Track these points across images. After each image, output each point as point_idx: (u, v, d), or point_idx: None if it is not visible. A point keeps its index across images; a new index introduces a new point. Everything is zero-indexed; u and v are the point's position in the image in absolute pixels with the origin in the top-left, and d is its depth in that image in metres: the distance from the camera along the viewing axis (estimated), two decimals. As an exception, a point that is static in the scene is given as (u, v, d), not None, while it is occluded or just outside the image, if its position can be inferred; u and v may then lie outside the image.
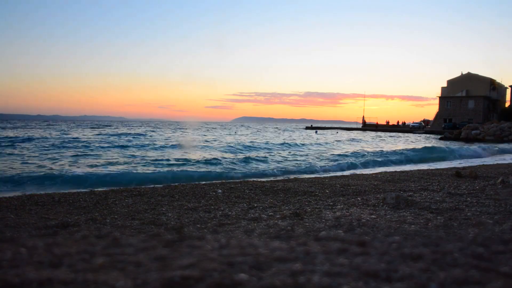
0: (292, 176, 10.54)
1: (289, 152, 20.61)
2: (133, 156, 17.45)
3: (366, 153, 19.60)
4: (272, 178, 10.20)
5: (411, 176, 8.50)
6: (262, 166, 13.91)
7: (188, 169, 12.63)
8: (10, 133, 33.92)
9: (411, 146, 25.02)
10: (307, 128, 77.56)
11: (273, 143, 26.84)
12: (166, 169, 12.67)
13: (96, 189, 7.39)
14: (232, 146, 23.39)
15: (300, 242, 2.73)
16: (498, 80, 70.27)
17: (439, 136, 45.93)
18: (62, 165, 13.74)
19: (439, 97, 67.09)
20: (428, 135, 51.10)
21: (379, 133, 55.40)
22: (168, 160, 15.19)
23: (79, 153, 18.01)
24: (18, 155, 17.00)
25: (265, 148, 23.61)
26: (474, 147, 23.85)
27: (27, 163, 14.11)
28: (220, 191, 6.27)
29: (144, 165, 13.66)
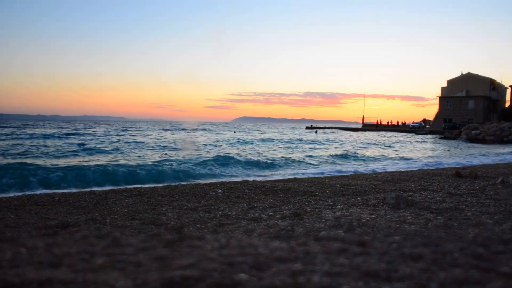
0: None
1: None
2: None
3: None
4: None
5: (411, 176, 8.50)
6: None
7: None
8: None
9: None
10: (307, 128, 77.79)
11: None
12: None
13: (96, 189, 7.39)
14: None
15: (300, 242, 2.73)
16: (498, 80, 70.33)
17: (439, 136, 45.90)
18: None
19: (439, 97, 67.07)
20: (427, 135, 50.98)
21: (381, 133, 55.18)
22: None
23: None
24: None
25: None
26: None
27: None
28: (220, 191, 6.26)
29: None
